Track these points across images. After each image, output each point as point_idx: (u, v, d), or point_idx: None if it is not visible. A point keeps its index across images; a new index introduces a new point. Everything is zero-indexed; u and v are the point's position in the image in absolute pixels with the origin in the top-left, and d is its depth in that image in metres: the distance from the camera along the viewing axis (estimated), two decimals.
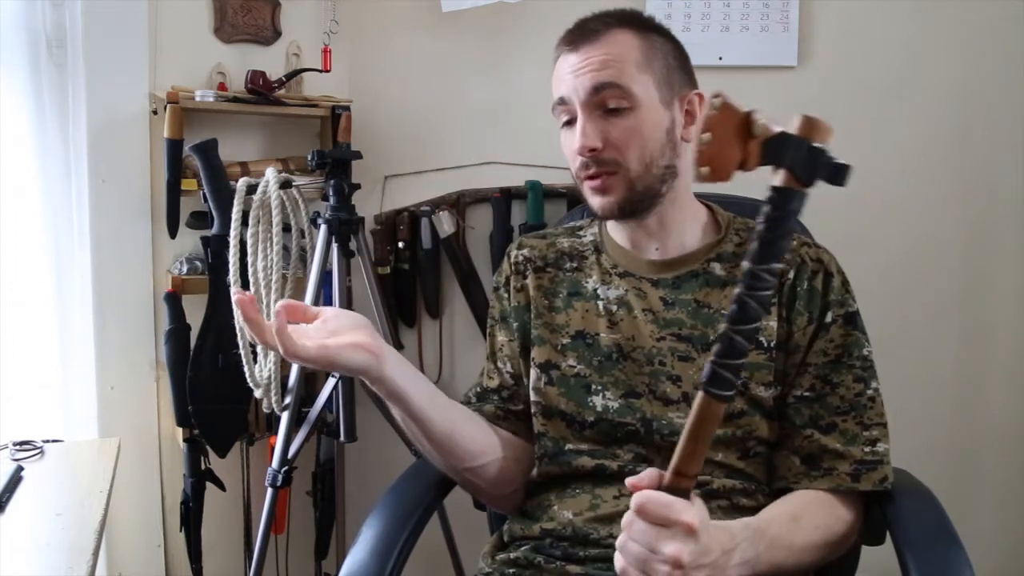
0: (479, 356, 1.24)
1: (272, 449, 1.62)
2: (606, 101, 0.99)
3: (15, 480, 1.22)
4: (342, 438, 1.63)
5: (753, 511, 0.94)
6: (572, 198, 1.84)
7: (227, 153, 1.67)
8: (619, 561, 0.76)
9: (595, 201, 1.04)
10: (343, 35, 1.88)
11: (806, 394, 0.99)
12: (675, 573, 0.72)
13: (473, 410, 1.12)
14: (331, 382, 1.60)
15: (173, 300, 1.68)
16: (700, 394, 0.71)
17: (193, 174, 1.66)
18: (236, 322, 1.57)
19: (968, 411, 1.92)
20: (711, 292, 1.04)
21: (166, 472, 1.79)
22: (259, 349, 1.58)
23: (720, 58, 1.85)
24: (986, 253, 1.88)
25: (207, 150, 1.60)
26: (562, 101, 1.03)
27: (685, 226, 1.08)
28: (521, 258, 1.15)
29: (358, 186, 1.67)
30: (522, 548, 1.03)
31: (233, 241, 1.55)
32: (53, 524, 1.11)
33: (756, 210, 1.19)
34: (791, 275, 1.02)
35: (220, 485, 1.75)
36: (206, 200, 1.62)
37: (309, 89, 1.85)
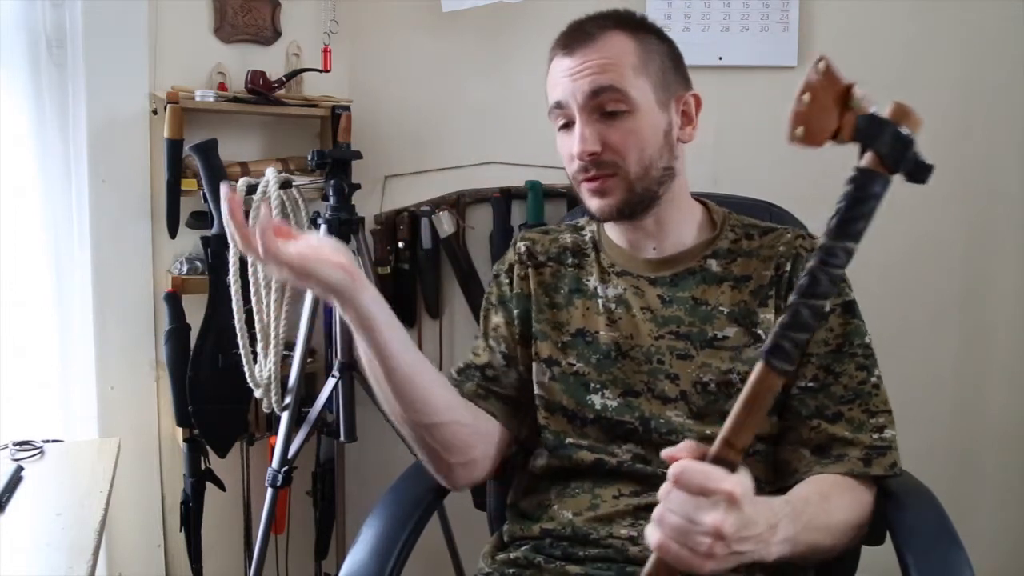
0: None
1: (272, 449, 1.62)
2: (604, 105, 0.99)
3: (15, 480, 1.22)
4: (342, 438, 1.63)
5: None
6: (572, 198, 1.84)
7: (227, 153, 1.67)
8: (655, 535, 0.71)
9: (593, 203, 1.03)
10: (343, 35, 1.88)
11: (810, 385, 0.99)
12: (716, 546, 0.68)
13: (452, 386, 1.07)
14: (331, 382, 1.60)
15: (173, 300, 1.68)
16: (759, 364, 0.70)
17: (193, 174, 1.66)
18: (236, 322, 1.56)
19: (968, 411, 1.92)
20: (708, 289, 1.04)
21: (166, 472, 1.79)
22: (259, 349, 1.58)
23: (720, 58, 1.85)
24: (986, 253, 1.88)
25: (207, 150, 1.60)
26: (559, 105, 1.02)
27: (682, 226, 1.08)
28: (524, 249, 1.15)
29: (358, 186, 1.67)
30: (522, 548, 1.03)
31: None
32: (53, 524, 1.11)
33: (752, 209, 1.20)
34: (788, 267, 1.03)
35: (220, 485, 1.75)
36: (206, 200, 1.63)
37: (309, 89, 1.85)
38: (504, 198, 1.88)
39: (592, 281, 1.10)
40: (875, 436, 0.96)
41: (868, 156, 0.68)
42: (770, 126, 1.87)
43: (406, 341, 0.96)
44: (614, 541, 0.97)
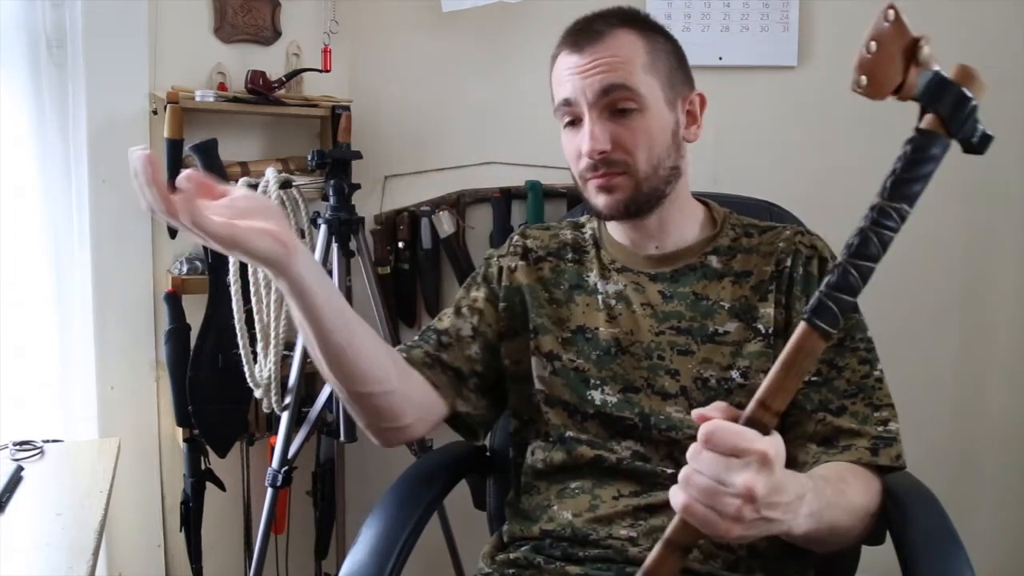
0: None
1: (272, 449, 1.62)
2: (615, 103, 0.99)
3: (15, 480, 1.22)
4: (342, 438, 1.63)
5: None
6: (572, 198, 1.84)
7: (227, 153, 1.67)
8: (679, 496, 0.67)
9: (600, 200, 1.03)
10: (343, 35, 1.88)
11: (813, 379, 0.98)
12: (745, 508, 0.65)
13: (400, 351, 1.05)
14: None
15: (173, 300, 1.68)
16: (801, 324, 0.67)
17: None
18: (236, 322, 1.57)
19: (968, 411, 1.92)
20: (709, 284, 1.04)
21: (166, 472, 1.79)
22: (259, 349, 1.58)
23: (720, 58, 1.85)
24: (986, 253, 1.88)
25: (207, 150, 1.60)
26: (567, 102, 1.02)
27: (684, 225, 1.08)
28: (519, 242, 1.15)
29: (358, 186, 1.67)
30: (522, 549, 1.03)
31: None
32: (53, 524, 1.10)
33: (753, 209, 1.20)
34: (788, 262, 1.03)
35: (220, 485, 1.75)
36: None
37: (309, 89, 1.85)
38: (504, 198, 1.88)
39: (592, 277, 1.10)
40: (880, 429, 0.95)
41: (929, 117, 0.66)
42: (770, 126, 1.89)
43: (342, 309, 0.91)
44: (614, 542, 0.97)
